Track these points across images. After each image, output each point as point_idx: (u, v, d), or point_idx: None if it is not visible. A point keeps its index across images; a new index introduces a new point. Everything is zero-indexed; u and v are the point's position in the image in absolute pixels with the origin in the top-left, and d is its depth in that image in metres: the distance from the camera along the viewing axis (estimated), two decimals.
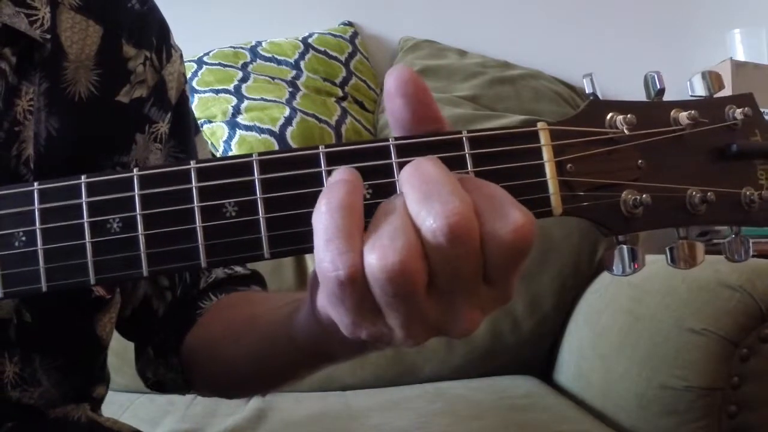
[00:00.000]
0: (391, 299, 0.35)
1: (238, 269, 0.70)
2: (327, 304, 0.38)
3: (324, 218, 0.36)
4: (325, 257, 0.35)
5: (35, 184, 0.40)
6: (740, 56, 1.84)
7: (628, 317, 1.14)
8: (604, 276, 1.36)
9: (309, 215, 0.38)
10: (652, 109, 0.43)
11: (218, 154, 1.54)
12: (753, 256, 0.45)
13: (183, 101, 0.69)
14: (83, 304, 0.60)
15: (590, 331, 1.27)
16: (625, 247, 0.42)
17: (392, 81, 0.39)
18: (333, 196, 0.36)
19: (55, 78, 0.58)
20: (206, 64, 1.68)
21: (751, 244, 0.43)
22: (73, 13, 0.60)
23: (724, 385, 0.93)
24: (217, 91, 1.62)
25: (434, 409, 1.17)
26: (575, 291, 1.40)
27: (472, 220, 0.35)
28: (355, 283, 0.35)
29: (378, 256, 0.34)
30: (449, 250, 0.35)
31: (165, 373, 0.67)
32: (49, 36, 0.56)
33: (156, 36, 0.66)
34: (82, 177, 0.40)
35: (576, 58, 1.85)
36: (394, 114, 0.40)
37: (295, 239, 0.39)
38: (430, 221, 0.35)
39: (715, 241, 1.46)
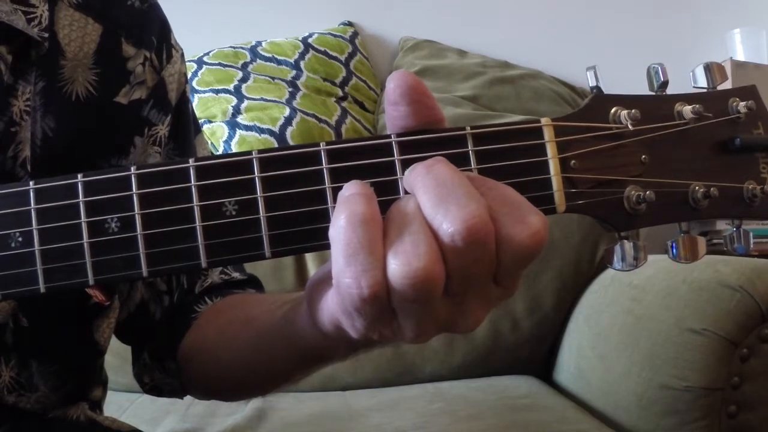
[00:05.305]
0: (410, 304, 0.35)
1: (235, 274, 0.70)
2: (341, 314, 0.37)
3: (345, 232, 0.35)
4: (347, 273, 0.35)
5: (31, 183, 0.39)
6: (740, 56, 1.83)
7: (628, 317, 1.13)
8: (604, 276, 1.36)
9: (310, 213, 0.38)
10: (656, 103, 0.42)
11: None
12: (753, 256, 0.45)
13: (183, 102, 0.67)
14: (81, 311, 0.60)
15: (590, 331, 1.27)
16: (626, 242, 0.41)
17: (395, 88, 0.38)
18: (354, 209, 0.35)
19: (52, 76, 0.57)
20: (206, 64, 1.67)
21: (752, 238, 0.43)
22: (72, 10, 0.59)
23: (724, 385, 0.93)
24: (217, 91, 1.62)
25: (434, 409, 1.16)
26: (575, 291, 1.40)
27: (489, 223, 0.35)
28: (378, 299, 0.35)
29: (402, 263, 0.34)
30: (466, 253, 0.35)
31: (162, 377, 0.66)
32: (46, 34, 0.55)
33: (156, 35, 0.64)
34: (79, 176, 0.39)
35: (576, 59, 1.85)
36: (396, 121, 0.39)
37: (297, 238, 0.39)
38: (447, 225, 0.34)
39: (715, 240, 1.46)
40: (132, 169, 0.39)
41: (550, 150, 0.40)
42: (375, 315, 0.36)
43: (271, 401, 1.20)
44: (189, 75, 1.60)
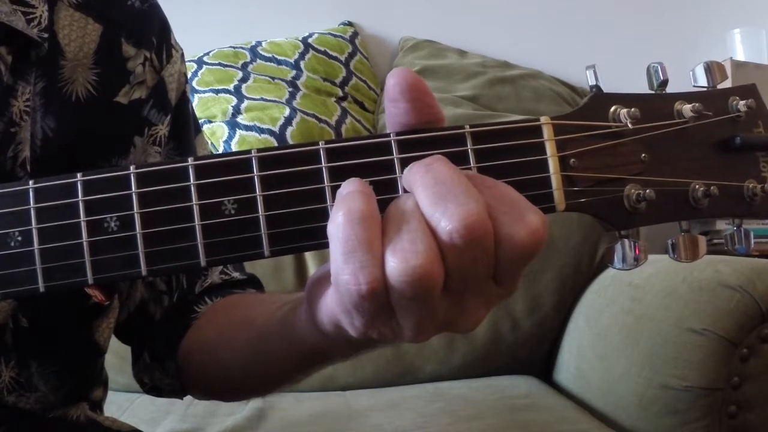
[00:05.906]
0: (408, 302, 0.35)
1: (235, 274, 0.70)
2: (340, 312, 0.37)
3: (344, 229, 0.35)
4: (345, 270, 0.35)
5: (30, 182, 0.39)
6: (740, 56, 1.84)
7: (628, 317, 1.13)
8: (604, 276, 1.36)
9: (309, 212, 0.38)
10: (656, 102, 0.42)
11: None
12: (753, 256, 0.45)
13: (183, 102, 0.68)
14: (81, 311, 0.60)
15: (590, 331, 1.27)
16: (626, 241, 0.41)
17: (395, 85, 0.38)
18: (352, 206, 0.35)
19: (52, 77, 0.57)
20: (206, 64, 1.67)
21: (752, 237, 0.43)
22: (71, 10, 0.59)
23: (724, 385, 0.93)
24: (217, 91, 1.62)
25: (434, 409, 1.16)
26: (575, 291, 1.40)
27: (487, 221, 0.35)
28: (376, 295, 0.35)
29: (400, 260, 0.34)
30: (464, 252, 0.35)
31: (161, 378, 0.66)
32: (46, 35, 0.56)
33: (156, 35, 0.64)
34: (78, 175, 0.39)
35: (576, 59, 1.85)
36: (396, 118, 0.39)
37: (296, 237, 0.39)
38: (446, 223, 0.34)
39: (716, 240, 1.46)
40: (131, 168, 0.39)
41: (550, 148, 0.40)
42: (374, 313, 0.36)
43: (271, 401, 1.20)
44: (189, 75, 1.60)
